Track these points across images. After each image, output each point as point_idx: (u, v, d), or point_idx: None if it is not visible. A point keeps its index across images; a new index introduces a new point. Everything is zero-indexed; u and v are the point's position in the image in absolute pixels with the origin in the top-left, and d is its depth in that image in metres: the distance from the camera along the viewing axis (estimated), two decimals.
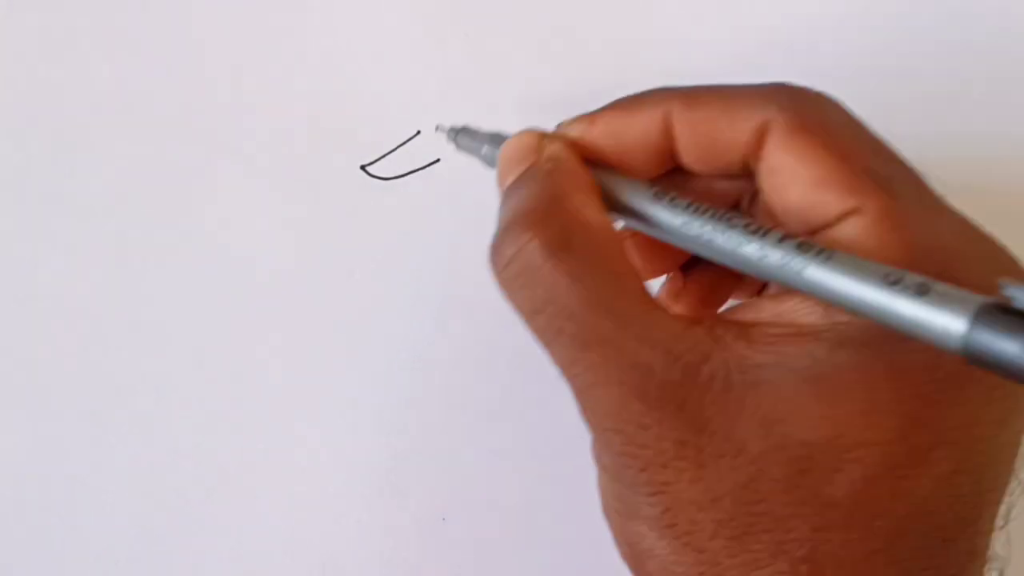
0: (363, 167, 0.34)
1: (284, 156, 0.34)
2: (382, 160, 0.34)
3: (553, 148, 0.26)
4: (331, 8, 0.36)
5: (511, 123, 0.27)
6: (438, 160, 0.34)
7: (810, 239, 0.22)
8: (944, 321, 0.18)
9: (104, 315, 0.33)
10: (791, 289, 0.22)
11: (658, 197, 0.25)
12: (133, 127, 0.35)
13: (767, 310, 0.22)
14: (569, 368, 0.22)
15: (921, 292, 0.19)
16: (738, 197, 0.27)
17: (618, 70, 0.35)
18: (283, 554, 0.32)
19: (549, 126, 0.27)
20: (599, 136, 0.26)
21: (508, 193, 0.26)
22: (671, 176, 0.27)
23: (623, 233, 0.25)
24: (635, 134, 0.25)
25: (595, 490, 0.32)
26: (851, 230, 0.21)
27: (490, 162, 0.29)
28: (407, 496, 0.32)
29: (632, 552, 0.22)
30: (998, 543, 0.22)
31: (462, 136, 0.31)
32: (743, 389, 0.20)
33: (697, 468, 0.20)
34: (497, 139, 0.28)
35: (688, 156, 0.25)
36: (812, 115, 0.23)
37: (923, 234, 0.21)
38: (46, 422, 0.33)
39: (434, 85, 0.35)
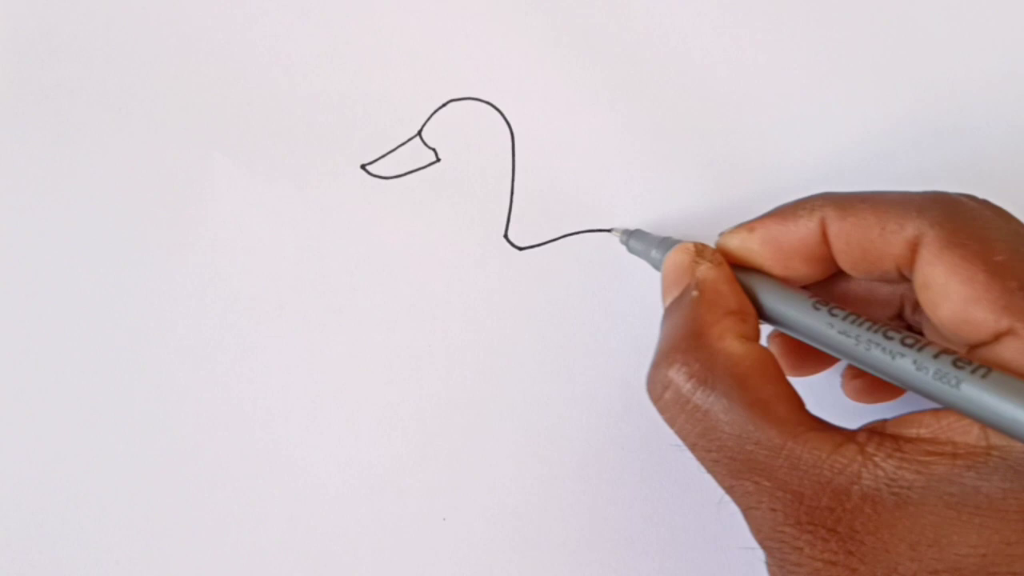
0: (363, 167, 0.34)
1: (284, 156, 0.34)
2: (382, 160, 0.34)
3: (702, 270, 0.26)
4: (331, 7, 0.35)
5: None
6: (438, 160, 0.34)
7: (967, 356, 0.21)
8: None
9: (104, 315, 0.33)
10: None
11: (816, 308, 0.25)
12: (133, 126, 0.35)
13: (925, 425, 0.22)
14: (729, 491, 0.24)
15: None
16: (901, 302, 0.27)
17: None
18: (283, 553, 0.32)
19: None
20: (759, 244, 0.26)
21: (664, 319, 0.27)
22: (834, 280, 0.27)
23: (766, 354, 0.25)
24: (793, 241, 0.25)
25: (595, 491, 0.32)
26: (1007, 351, 0.21)
27: (658, 266, 0.29)
28: (407, 496, 0.32)
29: None
30: None
31: (633, 239, 0.31)
32: (894, 510, 0.21)
33: None
34: (666, 244, 0.29)
35: (845, 263, 0.25)
36: (966, 228, 0.22)
37: None
38: (46, 422, 0.33)
39: (432, 85, 0.35)
